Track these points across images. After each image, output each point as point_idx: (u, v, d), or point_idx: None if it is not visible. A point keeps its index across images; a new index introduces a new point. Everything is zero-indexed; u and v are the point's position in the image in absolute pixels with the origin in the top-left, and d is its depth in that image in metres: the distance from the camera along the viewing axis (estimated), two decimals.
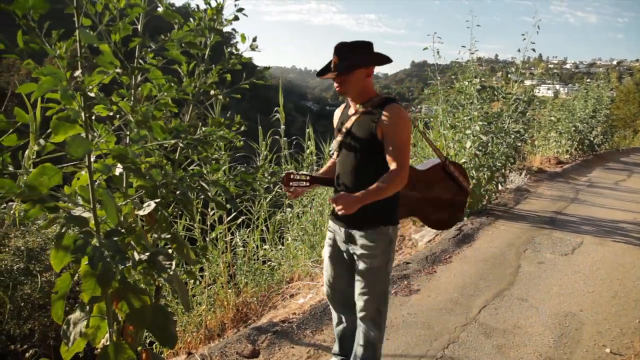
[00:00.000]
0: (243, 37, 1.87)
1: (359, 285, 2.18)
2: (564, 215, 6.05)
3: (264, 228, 4.37)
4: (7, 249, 3.01)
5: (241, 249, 4.02)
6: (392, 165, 2.03)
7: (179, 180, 1.83)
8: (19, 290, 2.96)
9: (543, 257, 4.46)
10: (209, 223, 3.53)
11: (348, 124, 2.16)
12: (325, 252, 2.36)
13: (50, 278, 3.08)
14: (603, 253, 4.63)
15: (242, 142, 1.86)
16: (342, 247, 2.25)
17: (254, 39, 1.88)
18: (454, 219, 2.65)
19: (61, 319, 1.68)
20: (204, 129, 1.68)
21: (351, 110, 2.20)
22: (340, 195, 1.98)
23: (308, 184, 2.23)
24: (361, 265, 2.16)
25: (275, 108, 4.55)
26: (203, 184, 1.81)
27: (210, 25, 1.70)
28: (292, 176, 2.20)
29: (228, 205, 1.96)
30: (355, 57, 2.08)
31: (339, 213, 1.96)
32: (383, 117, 2.03)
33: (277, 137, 4.60)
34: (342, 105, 2.36)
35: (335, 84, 2.12)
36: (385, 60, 2.14)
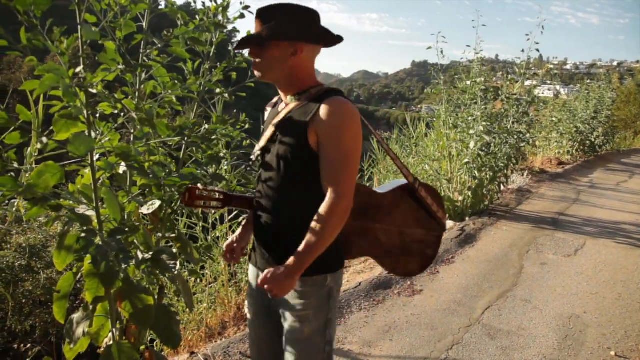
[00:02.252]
0: (249, 34, 1.84)
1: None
2: (566, 216, 6.03)
3: None
4: (8, 246, 3.00)
5: None
6: (329, 189, 1.39)
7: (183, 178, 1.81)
8: (21, 287, 2.95)
9: (546, 258, 4.44)
10: (210, 221, 3.52)
11: (274, 124, 1.54)
12: (247, 305, 1.74)
13: (52, 275, 3.07)
14: (606, 255, 4.62)
15: (248, 141, 1.85)
16: (265, 301, 1.59)
17: None
18: (425, 263, 1.83)
19: (64, 319, 1.66)
20: (207, 126, 1.66)
21: (282, 105, 1.57)
22: (266, 274, 1.37)
23: (220, 204, 1.65)
24: (288, 332, 1.52)
25: None
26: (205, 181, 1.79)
27: (215, 22, 1.67)
28: (197, 192, 1.61)
29: None
30: (276, 23, 1.44)
31: (272, 297, 1.39)
32: (320, 116, 1.39)
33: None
34: (275, 99, 1.71)
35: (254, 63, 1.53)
36: (326, 38, 1.51)
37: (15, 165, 1.47)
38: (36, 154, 2.68)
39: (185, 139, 1.64)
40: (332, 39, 1.52)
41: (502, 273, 4.03)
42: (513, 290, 3.67)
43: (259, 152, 1.57)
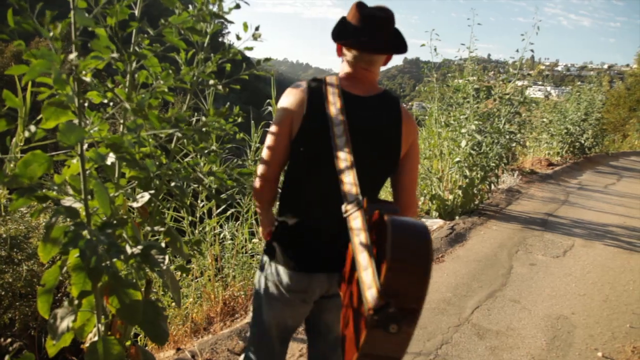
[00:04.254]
0: (245, 26, 1.80)
1: None
2: (555, 217, 6.06)
3: (254, 221, 4.31)
4: None
5: (229, 242, 3.95)
6: None
7: (175, 171, 1.77)
8: (0, 279, 2.88)
9: (535, 258, 4.46)
10: (198, 215, 3.47)
11: None
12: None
13: (33, 267, 3.01)
14: (594, 256, 4.64)
15: (241, 135, 1.81)
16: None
17: (257, 28, 1.81)
18: None
19: (48, 313, 1.61)
20: (203, 119, 1.62)
21: None
22: None
23: None
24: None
25: (268, 100, 4.46)
26: (201, 175, 1.74)
27: (211, 12, 1.63)
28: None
29: (223, 196, 1.92)
30: None
31: None
32: None
33: (267, 129, 4.50)
34: None
35: None
36: (343, 39, 1.56)
37: None
38: (21, 143, 2.61)
39: (180, 131, 1.59)
40: (350, 41, 1.52)
41: (492, 273, 4.03)
42: (502, 290, 3.67)
43: None
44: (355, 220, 1.22)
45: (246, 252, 4.12)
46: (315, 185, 1.52)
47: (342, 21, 1.55)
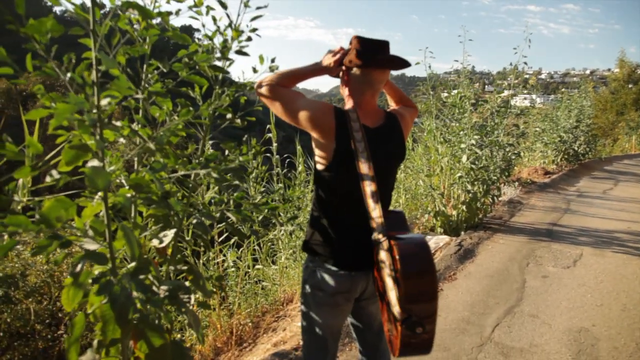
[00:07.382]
0: (261, 59, 1.79)
1: None
2: (559, 227, 6.05)
3: (257, 247, 4.25)
4: None
5: (233, 269, 3.89)
6: None
7: (195, 208, 1.73)
8: None
9: (546, 270, 4.43)
10: (202, 244, 3.42)
11: None
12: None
13: (31, 305, 2.95)
14: (604, 264, 4.62)
15: (263, 168, 1.79)
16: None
17: (273, 60, 1.80)
18: None
19: None
20: (240, 158, 1.58)
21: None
22: None
23: None
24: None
25: (268, 126, 4.44)
26: (227, 213, 1.71)
27: (234, 49, 1.62)
28: None
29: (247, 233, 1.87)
30: None
31: None
32: None
33: (268, 154, 4.48)
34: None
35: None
36: None
37: (15, 198, 1.39)
38: (29, 185, 2.56)
39: (214, 171, 1.56)
40: None
41: (506, 288, 3.99)
42: (519, 306, 3.63)
43: None
44: (382, 252, 1.49)
45: (249, 279, 4.06)
46: (348, 197, 1.68)
47: (359, 50, 1.67)
